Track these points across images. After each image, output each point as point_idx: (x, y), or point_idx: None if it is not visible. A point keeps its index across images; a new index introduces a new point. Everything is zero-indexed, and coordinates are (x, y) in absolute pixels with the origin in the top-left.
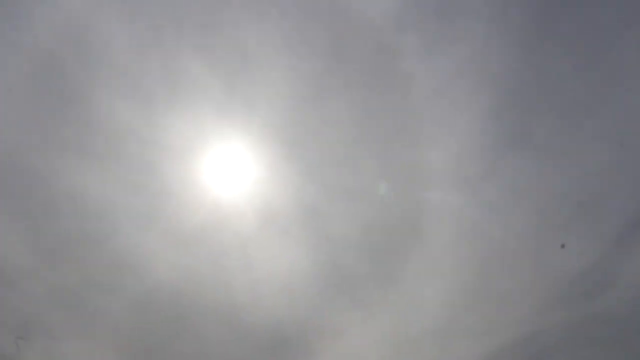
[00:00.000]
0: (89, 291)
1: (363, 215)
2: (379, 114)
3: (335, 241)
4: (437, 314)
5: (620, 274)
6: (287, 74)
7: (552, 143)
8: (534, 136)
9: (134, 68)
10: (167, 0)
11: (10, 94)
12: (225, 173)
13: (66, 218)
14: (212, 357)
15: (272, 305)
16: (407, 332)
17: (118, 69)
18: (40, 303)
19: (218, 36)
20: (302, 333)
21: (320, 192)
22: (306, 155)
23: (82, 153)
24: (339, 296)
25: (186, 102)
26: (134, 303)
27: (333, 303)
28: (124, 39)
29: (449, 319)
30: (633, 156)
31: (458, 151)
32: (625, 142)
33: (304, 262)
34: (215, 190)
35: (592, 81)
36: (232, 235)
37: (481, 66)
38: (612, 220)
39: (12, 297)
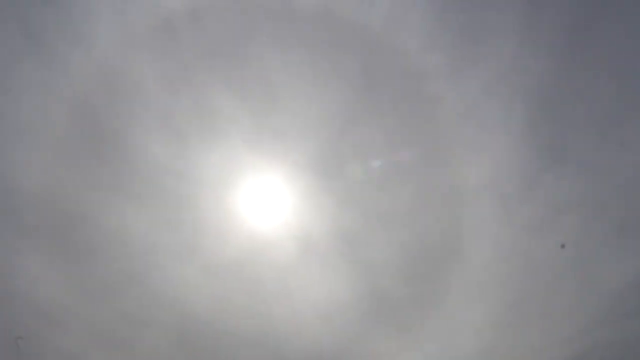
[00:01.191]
0: (129, 327)
1: (401, 240)
2: (412, 138)
3: (374, 267)
4: (481, 336)
5: None
6: (316, 104)
7: (589, 157)
8: (571, 151)
9: (165, 106)
10: (195, 39)
11: (49, 136)
12: (261, 204)
13: (106, 257)
14: None
15: (313, 334)
16: (451, 356)
17: (150, 108)
18: (83, 341)
19: (246, 70)
20: None
21: (357, 218)
22: (340, 182)
23: (119, 192)
24: (381, 322)
25: (218, 137)
26: (174, 337)
27: (374, 330)
28: (155, 78)
29: (493, 341)
30: None
31: (494, 170)
32: None
33: (344, 289)
34: (251, 222)
35: (628, 91)
36: (270, 265)
37: (512, 82)
38: None
39: (56, 335)
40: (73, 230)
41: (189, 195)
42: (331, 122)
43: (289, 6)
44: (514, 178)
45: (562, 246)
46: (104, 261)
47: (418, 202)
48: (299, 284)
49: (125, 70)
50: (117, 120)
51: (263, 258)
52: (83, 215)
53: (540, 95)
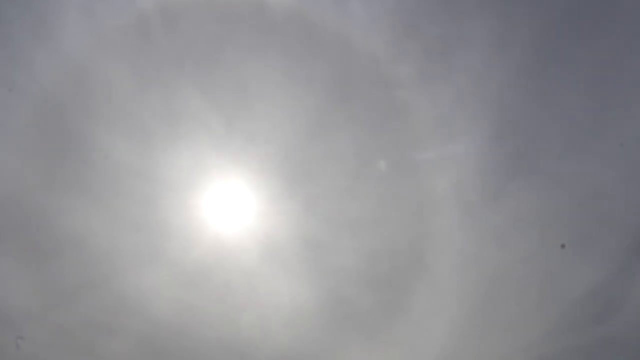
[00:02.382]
0: (91, 332)
1: (367, 247)
2: (380, 145)
3: (339, 273)
4: (445, 342)
5: (627, 297)
6: (287, 109)
7: (555, 168)
8: (537, 161)
9: (133, 106)
10: (167, 40)
11: (11, 135)
12: (227, 208)
13: (68, 260)
14: None
15: (278, 340)
16: None
17: (118, 108)
18: (43, 345)
19: (217, 73)
20: None
21: (323, 224)
22: (308, 188)
23: (83, 193)
24: (345, 329)
25: (186, 139)
26: (138, 343)
27: (340, 336)
28: (124, 78)
29: (456, 347)
30: (637, 179)
31: (460, 179)
32: (629, 166)
33: (309, 295)
34: (217, 226)
35: (594, 105)
36: (235, 270)
37: (481, 93)
38: (618, 243)
39: (14, 339)
40: (33, 232)
41: (154, 198)
42: (300, 128)
43: (263, 11)
44: (480, 186)
45: (562, 246)
46: (65, 264)
47: (385, 210)
48: (264, 290)
49: (92, 69)
50: (83, 119)
51: (228, 263)
52: (44, 216)
53: (507, 106)
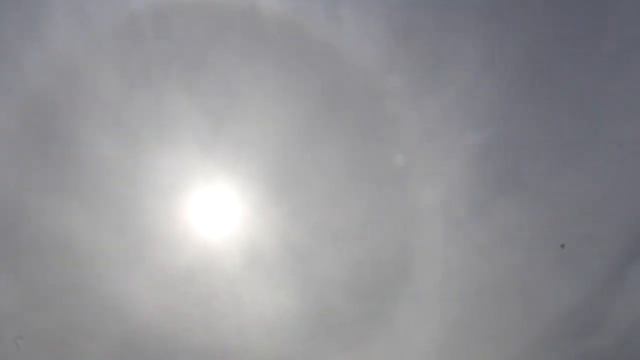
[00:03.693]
0: (73, 335)
1: (351, 257)
2: (368, 156)
3: (324, 283)
4: (428, 354)
5: (608, 313)
6: (276, 116)
7: (540, 184)
8: (523, 177)
9: (121, 107)
10: (156, 42)
11: None
12: (212, 214)
13: (50, 259)
14: None
15: (261, 348)
16: None
17: (106, 109)
18: (24, 349)
19: (207, 77)
20: None
21: (308, 233)
22: (294, 196)
23: (68, 193)
24: (328, 338)
25: (174, 142)
26: (119, 347)
27: (322, 345)
28: (112, 79)
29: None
30: (621, 197)
31: (447, 192)
32: (613, 183)
33: (292, 304)
34: (201, 231)
35: (581, 122)
36: (219, 276)
37: (470, 108)
38: (601, 260)
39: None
40: (16, 229)
41: (139, 201)
42: (289, 136)
43: (256, 16)
44: (466, 202)
45: (562, 246)
46: (47, 266)
47: (371, 221)
48: (247, 297)
49: (82, 69)
50: (70, 119)
51: (211, 269)
52: (27, 217)
53: (495, 122)
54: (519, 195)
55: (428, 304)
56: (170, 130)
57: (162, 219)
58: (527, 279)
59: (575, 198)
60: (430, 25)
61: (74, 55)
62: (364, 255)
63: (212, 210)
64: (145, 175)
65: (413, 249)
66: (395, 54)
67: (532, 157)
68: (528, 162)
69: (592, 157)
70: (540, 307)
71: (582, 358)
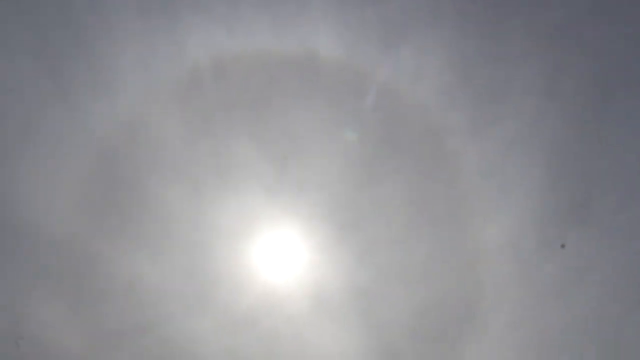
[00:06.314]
0: None
1: (416, 298)
2: (430, 195)
3: (389, 326)
4: None
5: None
6: (337, 157)
7: (613, 216)
8: (594, 210)
9: (184, 156)
10: (217, 90)
11: (69, 184)
12: (276, 257)
13: (118, 304)
14: None
15: None
16: None
17: (169, 158)
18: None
19: (267, 122)
20: None
21: (373, 275)
22: (357, 238)
23: (134, 240)
24: None
25: (236, 188)
26: None
27: None
28: (176, 128)
29: None
30: None
31: (514, 229)
32: None
33: (357, 346)
34: (266, 274)
35: None
36: (284, 319)
37: (532, 141)
38: None
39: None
40: (86, 276)
41: (203, 245)
42: (351, 177)
43: (313, 59)
44: (534, 237)
45: (562, 246)
46: (115, 309)
47: (435, 261)
48: (312, 340)
49: (146, 121)
50: (136, 169)
51: (277, 312)
52: (97, 261)
53: (561, 153)
54: (591, 229)
55: (497, 348)
56: (233, 176)
57: (227, 263)
58: (605, 320)
59: None
60: (488, 56)
61: (139, 107)
62: (430, 296)
63: (276, 253)
64: (210, 220)
65: (480, 289)
66: (454, 88)
67: (603, 188)
68: (599, 194)
69: None
70: (622, 351)
71: None
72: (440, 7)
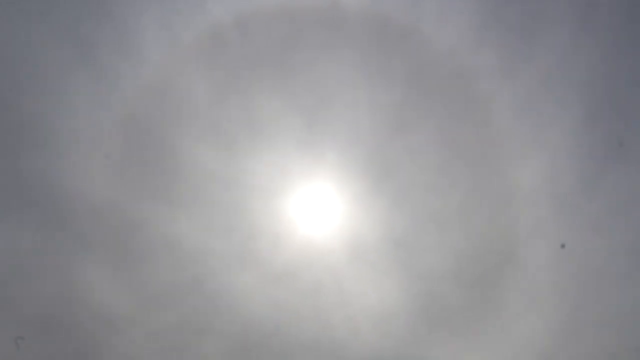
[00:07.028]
0: (186, 334)
1: (454, 243)
2: (463, 138)
3: (428, 271)
4: (539, 342)
5: None
6: (365, 106)
7: None
8: (632, 145)
9: (214, 115)
10: (242, 48)
11: (103, 148)
12: (313, 209)
13: (161, 264)
14: None
15: (369, 339)
16: None
17: (199, 117)
18: (141, 347)
19: (295, 76)
20: None
21: (409, 222)
22: (392, 186)
23: (171, 201)
24: (436, 328)
25: (268, 144)
26: (231, 342)
27: (430, 335)
28: (203, 88)
29: (551, 347)
30: None
31: (551, 168)
32: None
33: (398, 293)
34: (304, 227)
35: None
36: (324, 270)
37: (567, 76)
38: None
39: (116, 342)
40: (129, 238)
41: (240, 202)
42: (381, 125)
43: (336, 10)
44: (572, 175)
45: (562, 246)
46: (159, 269)
47: (471, 204)
48: (353, 289)
49: (173, 82)
50: (167, 130)
51: (316, 263)
52: (138, 224)
53: (597, 87)
54: (630, 164)
55: (538, 288)
56: (262, 132)
57: (264, 219)
58: None
59: None
60: None
61: (165, 69)
62: (468, 240)
63: (312, 206)
64: (244, 178)
65: (519, 230)
66: (482, 28)
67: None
68: (636, 127)
69: None
70: None
71: None
72: None
